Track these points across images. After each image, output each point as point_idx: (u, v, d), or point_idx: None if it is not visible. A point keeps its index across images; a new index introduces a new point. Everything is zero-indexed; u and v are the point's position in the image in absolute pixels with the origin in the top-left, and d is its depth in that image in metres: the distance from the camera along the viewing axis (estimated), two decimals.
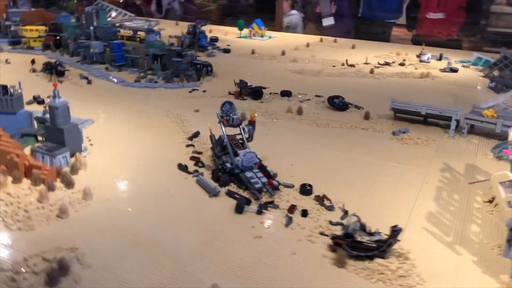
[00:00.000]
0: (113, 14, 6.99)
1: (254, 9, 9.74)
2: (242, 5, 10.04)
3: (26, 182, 2.23)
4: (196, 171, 2.40)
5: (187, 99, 3.65)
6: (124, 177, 2.36)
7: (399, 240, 1.77)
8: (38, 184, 2.17)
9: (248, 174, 2.21)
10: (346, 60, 4.91)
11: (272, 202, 2.11)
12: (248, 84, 3.73)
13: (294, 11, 7.77)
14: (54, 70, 4.07)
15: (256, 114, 2.46)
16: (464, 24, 6.58)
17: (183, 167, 2.44)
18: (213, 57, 5.15)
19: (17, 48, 5.07)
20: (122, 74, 4.28)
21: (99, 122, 3.04)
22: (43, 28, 5.08)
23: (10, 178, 2.22)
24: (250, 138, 2.38)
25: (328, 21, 7.13)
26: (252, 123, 2.36)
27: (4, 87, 2.63)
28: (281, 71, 4.63)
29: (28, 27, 5.04)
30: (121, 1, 8.56)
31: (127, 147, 2.72)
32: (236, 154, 2.27)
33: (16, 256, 1.72)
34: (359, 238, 1.80)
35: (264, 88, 3.71)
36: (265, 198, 2.15)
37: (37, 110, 2.92)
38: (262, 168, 2.29)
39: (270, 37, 6.50)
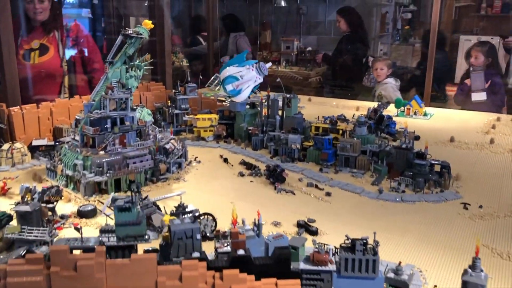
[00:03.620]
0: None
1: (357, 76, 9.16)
2: (343, 73, 9.47)
3: None
4: None
5: (479, 224, 2.83)
6: None
7: None
8: None
9: None
10: None
11: None
12: None
13: (390, 79, 6.99)
14: (276, 175, 3.39)
15: None
16: None
17: None
18: None
19: (185, 139, 4.44)
20: (341, 177, 3.56)
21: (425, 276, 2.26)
22: (215, 116, 4.48)
23: None
24: None
25: (479, 96, 6.47)
26: None
27: (364, 243, 1.89)
28: None
29: (200, 116, 4.44)
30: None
31: None
32: None
33: None
34: None
35: None
36: None
37: None
38: None
39: (431, 115, 5.81)
